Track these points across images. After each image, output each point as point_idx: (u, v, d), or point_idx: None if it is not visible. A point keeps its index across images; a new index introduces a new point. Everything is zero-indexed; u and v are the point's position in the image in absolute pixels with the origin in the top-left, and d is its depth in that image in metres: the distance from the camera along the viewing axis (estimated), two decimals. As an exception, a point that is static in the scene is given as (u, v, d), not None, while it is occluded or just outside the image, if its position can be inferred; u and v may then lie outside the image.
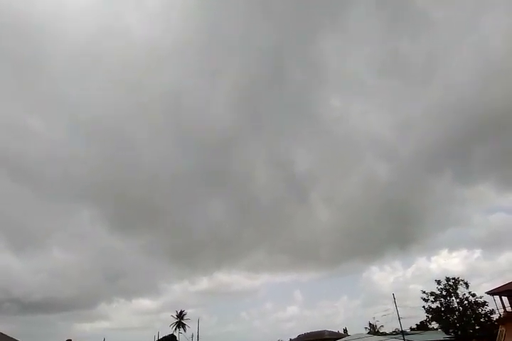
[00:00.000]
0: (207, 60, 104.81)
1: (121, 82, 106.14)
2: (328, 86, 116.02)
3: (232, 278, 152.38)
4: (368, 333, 61.30)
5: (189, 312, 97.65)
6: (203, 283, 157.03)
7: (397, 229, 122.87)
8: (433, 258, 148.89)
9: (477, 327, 42.52)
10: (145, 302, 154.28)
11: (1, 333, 37.72)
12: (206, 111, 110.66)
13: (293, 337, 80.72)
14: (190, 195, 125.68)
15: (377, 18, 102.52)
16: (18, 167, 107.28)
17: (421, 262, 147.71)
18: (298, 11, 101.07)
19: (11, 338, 37.17)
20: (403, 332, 42.77)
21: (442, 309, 44.59)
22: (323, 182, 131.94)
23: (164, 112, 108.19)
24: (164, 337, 71.71)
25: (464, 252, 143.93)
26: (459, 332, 42.14)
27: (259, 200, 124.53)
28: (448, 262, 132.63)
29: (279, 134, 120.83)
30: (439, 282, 46.14)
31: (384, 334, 59.34)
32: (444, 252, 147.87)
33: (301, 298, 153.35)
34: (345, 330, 77.99)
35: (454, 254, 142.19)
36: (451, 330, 43.30)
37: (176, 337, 72.62)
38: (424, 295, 46.25)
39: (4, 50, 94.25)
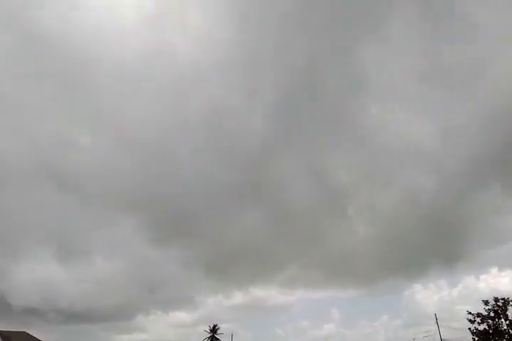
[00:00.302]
0: (245, 77, 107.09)
1: (165, 100, 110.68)
2: (368, 95, 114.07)
3: (267, 293, 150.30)
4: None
5: (223, 327, 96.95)
6: (238, 297, 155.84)
7: (442, 245, 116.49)
8: (482, 277, 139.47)
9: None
10: (181, 315, 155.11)
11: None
12: (244, 126, 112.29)
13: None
14: (226, 208, 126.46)
15: (418, 28, 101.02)
16: (65, 179, 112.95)
17: (468, 281, 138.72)
18: (334, 23, 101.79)
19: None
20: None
21: (490, 331, 41.65)
22: (361, 193, 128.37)
23: (205, 128, 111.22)
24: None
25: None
26: (510, 357, 39.05)
27: (294, 213, 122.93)
28: (498, 281, 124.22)
29: (316, 145, 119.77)
30: (486, 302, 43.28)
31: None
32: (494, 270, 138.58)
33: (339, 315, 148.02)
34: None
35: (505, 273, 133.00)
36: (500, 355, 40.21)
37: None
38: (470, 316, 43.55)
39: (55, 70, 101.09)
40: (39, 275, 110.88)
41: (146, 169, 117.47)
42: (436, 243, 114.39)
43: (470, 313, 43.55)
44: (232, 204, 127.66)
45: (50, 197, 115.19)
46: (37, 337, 39.42)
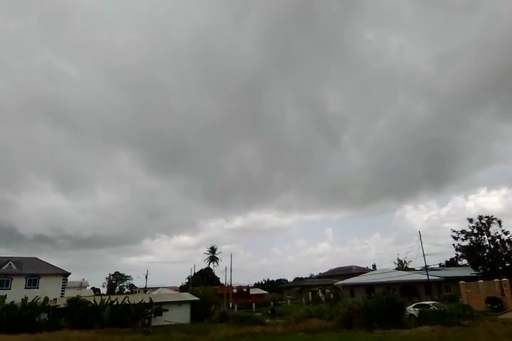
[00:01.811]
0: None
1: (149, 26, 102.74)
2: (363, 19, 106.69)
3: (265, 217, 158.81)
4: (397, 269, 62.88)
5: (224, 248, 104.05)
6: (237, 221, 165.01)
7: (433, 168, 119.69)
8: (470, 197, 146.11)
9: (507, 264, 42.33)
10: (184, 239, 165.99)
11: (54, 266, 41.62)
12: (234, 53, 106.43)
13: (324, 272, 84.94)
14: (222, 139, 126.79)
15: None
16: (57, 113, 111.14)
17: (457, 201, 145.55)
18: None
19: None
20: (427, 268, 43.28)
21: (473, 246, 44.32)
22: (355, 122, 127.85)
23: (193, 57, 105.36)
24: (201, 270, 77.57)
25: (504, 191, 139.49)
26: (488, 269, 42.13)
27: (290, 142, 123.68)
28: (486, 201, 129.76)
29: (310, 74, 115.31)
30: (471, 220, 45.43)
31: (412, 269, 60.50)
32: (483, 191, 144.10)
33: (333, 235, 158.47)
34: (374, 266, 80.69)
35: (493, 193, 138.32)
36: (480, 267, 43.35)
37: (211, 269, 78.31)
38: (455, 234, 45.98)
39: (36, 1, 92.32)
40: (44, 205, 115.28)
41: (137, 101, 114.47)
42: (427, 166, 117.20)
43: (454, 231, 46.01)
44: (227, 134, 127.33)
45: (46, 132, 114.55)
46: (47, 262, 41.91)
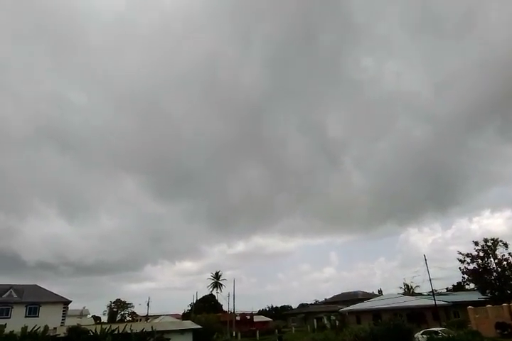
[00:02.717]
0: (238, 25, 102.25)
1: (157, 54, 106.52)
2: (360, 47, 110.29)
3: (268, 241, 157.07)
4: (403, 294, 61.58)
5: (227, 274, 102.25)
6: (240, 246, 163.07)
7: (435, 191, 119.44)
8: (474, 219, 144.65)
9: (516, 288, 41.50)
10: (187, 264, 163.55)
11: (55, 294, 41.10)
12: (239, 80, 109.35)
13: (329, 297, 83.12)
14: (226, 163, 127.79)
15: None
16: (65, 139, 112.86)
17: (461, 223, 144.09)
18: None
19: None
20: (433, 292, 42.43)
21: (480, 270, 43.61)
22: (356, 146, 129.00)
23: (200, 84, 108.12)
24: (204, 297, 76.07)
25: (508, 213, 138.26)
26: (496, 293, 41.27)
27: (292, 166, 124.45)
28: (490, 223, 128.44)
29: (311, 99, 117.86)
30: (476, 243, 44.91)
31: (419, 294, 59.28)
32: (487, 213, 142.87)
33: (337, 259, 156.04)
34: (379, 291, 79.06)
35: (497, 215, 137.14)
36: (487, 291, 42.49)
37: (214, 296, 76.75)
38: (461, 256, 45.38)
39: (47, 25, 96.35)
40: (47, 232, 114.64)
41: (143, 127, 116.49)
42: (430, 189, 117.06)
43: (460, 253, 45.40)
44: (231, 159, 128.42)
45: (52, 157, 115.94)
46: (48, 289, 41.39)
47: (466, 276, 46.41)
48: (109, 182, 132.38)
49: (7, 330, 29.95)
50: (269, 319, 74.87)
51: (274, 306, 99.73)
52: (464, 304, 38.56)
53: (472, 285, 50.42)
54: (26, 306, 37.19)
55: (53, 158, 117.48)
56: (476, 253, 44.12)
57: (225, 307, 69.08)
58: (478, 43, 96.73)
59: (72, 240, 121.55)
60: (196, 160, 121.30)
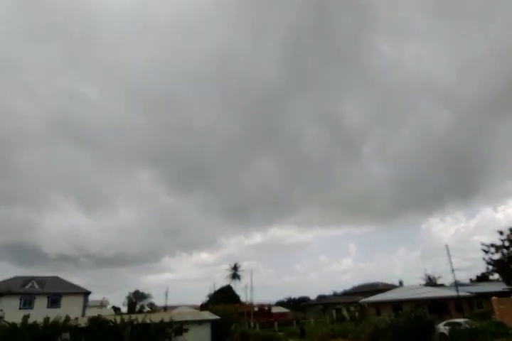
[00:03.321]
0: (249, 15, 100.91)
1: (169, 48, 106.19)
2: (378, 32, 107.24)
3: (285, 233, 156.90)
4: (425, 285, 60.48)
5: (244, 265, 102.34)
6: (257, 237, 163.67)
7: (459, 179, 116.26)
8: (500, 208, 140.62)
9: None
10: (204, 256, 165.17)
11: (76, 285, 41.84)
12: (252, 70, 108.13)
13: (348, 289, 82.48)
14: (240, 154, 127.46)
15: None
16: (80, 134, 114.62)
17: (486, 212, 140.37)
18: None
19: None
20: (456, 283, 41.37)
21: (505, 260, 42.27)
22: (375, 133, 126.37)
23: (212, 75, 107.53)
24: (222, 288, 76.52)
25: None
26: (522, 284, 39.97)
27: (309, 156, 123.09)
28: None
29: (327, 88, 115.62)
30: (501, 233, 43.42)
31: (441, 285, 58.11)
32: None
33: (356, 250, 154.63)
34: (400, 282, 77.81)
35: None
36: (512, 281, 41.19)
37: (232, 287, 77.14)
38: (485, 247, 44.05)
39: (59, 24, 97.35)
40: (67, 225, 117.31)
41: (157, 121, 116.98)
42: (453, 177, 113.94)
43: (484, 244, 44.09)
44: (246, 150, 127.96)
45: (69, 152, 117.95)
46: (69, 281, 42.16)
47: (490, 267, 45.17)
48: (124, 175, 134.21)
49: (30, 321, 30.58)
50: (287, 310, 74.84)
51: (292, 297, 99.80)
52: (487, 295, 37.39)
53: (496, 276, 49.10)
54: (48, 297, 37.93)
55: (70, 152, 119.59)
56: (501, 243, 42.74)
57: (242, 299, 69.44)
58: (501, 26, 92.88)
59: (90, 233, 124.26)
60: (210, 152, 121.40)
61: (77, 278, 48.42)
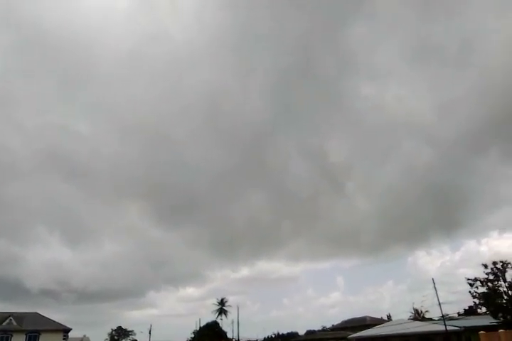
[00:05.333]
0: (239, 57, 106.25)
1: (161, 86, 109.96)
2: (359, 75, 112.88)
3: (273, 266, 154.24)
4: (413, 319, 59.81)
5: (231, 299, 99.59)
6: (244, 271, 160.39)
7: (442, 213, 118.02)
8: (483, 241, 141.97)
9: (529, 312, 40.25)
10: (190, 290, 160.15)
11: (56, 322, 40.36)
12: (240, 108, 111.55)
13: (336, 323, 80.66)
14: (229, 189, 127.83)
15: (405, 4, 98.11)
16: (69, 168, 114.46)
17: (470, 245, 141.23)
18: (324, 2, 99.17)
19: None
20: (444, 317, 41.23)
21: (490, 293, 42.51)
22: (359, 170, 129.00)
23: (203, 111, 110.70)
24: (208, 323, 74.17)
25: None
26: (509, 317, 39.99)
27: (296, 191, 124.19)
28: (499, 244, 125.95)
29: (312, 126, 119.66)
30: (485, 266, 43.93)
31: (429, 319, 57.55)
32: (495, 234, 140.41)
33: (344, 284, 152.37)
34: (388, 316, 76.73)
35: (506, 236, 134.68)
36: (499, 315, 41.20)
37: (218, 323, 74.81)
38: (470, 281, 44.39)
39: (52, 60, 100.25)
40: (50, 259, 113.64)
41: (147, 156, 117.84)
42: (436, 212, 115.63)
43: (469, 279, 44.49)
44: (234, 185, 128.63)
45: (57, 186, 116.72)
46: (48, 317, 40.65)
47: (476, 300, 45.27)
48: (112, 209, 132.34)
49: (6, 360, 29.30)
50: (275, 347, 72.44)
51: (280, 333, 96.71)
52: (476, 329, 37.29)
53: (484, 309, 49.04)
54: (26, 334, 36.52)
55: (58, 186, 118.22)
56: (486, 276, 43.16)
57: (229, 335, 67.18)
58: (477, 69, 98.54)
59: (74, 267, 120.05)
60: (199, 186, 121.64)
61: (58, 314, 47.00)
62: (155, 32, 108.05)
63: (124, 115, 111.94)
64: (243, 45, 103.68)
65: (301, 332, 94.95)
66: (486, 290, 42.98)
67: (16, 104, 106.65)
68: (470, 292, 44.45)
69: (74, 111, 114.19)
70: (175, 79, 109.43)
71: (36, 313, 40.98)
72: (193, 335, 72.30)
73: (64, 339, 38.33)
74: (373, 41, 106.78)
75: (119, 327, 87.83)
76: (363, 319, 69.84)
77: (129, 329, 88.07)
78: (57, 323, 40.20)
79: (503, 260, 43.27)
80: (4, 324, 36.89)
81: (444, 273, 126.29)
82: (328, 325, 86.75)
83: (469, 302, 51.94)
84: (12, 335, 36.07)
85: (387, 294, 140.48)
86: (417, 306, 67.48)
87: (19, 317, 38.51)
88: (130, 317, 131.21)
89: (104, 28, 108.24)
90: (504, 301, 41.59)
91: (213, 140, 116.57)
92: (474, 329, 38.08)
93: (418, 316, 65.87)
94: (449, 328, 39.89)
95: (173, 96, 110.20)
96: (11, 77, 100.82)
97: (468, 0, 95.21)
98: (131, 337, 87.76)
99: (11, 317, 37.78)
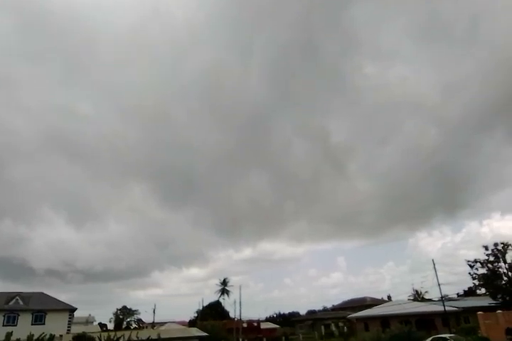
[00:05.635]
0: (239, 34, 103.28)
1: (163, 67, 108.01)
2: (363, 54, 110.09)
3: (275, 247, 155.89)
4: (413, 300, 60.68)
5: (234, 280, 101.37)
6: (247, 251, 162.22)
7: (444, 194, 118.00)
8: (485, 222, 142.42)
9: (527, 293, 40.71)
10: (194, 270, 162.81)
11: (61, 301, 41.15)
12: (240, 87, 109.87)
13: (337, 303, 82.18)
14: (231, 170, 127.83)
15: None
16: (73, 149, 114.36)
17: (472, 226, 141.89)
18: None
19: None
20: (443, 298, 41.75)
21: (490, 275, 42.91)
22: (361, 150, 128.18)
23: (203, 94, 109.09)
24: (210, 303, 75.59)
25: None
26: (507, 298, 40.49)
27: (297, 173, 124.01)
28: (501, 225, 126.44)
29: (313, 106, 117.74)
30: (486, 248, 44.20)
31: (429, 300, 58.39)
32: (497, 215, 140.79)
33: (345, 264, 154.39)
34: (389, 297, 77.94)
35: (508, 217, 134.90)
36: (498, 296, 41.73)
37: (221, 303, 76.19)
38: (470, 262, 44.77)
39: (55, 43, 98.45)
40: (56, 239, 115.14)
41: (149, 137, 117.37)
42: (439, 192, 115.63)
43: (469, 261, 44.86)
44: (236, 166, 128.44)
45: (62, 167, 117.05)
46: (54, 297, 41.42)
47: (476, 282, 45.76)
48: (116, 189, 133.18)
49: (13, 338, 29.93)
50: (277, 326, 74.02)
51: (281, 313, 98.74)
52: (474, 309, 37.75)
53: (484, 291, 49.62)
54: (32, 314, 37.24)
55: (63, 167, 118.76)
56: (486, 257, 43.48)
57: (231, 314, 68.53)
58: (485, 46, 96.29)
59: (79, 247, 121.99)
60: (201, 167, 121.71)
61: (63, 294, 48.01)
62: (154, 9, 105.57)
63: (125, 96, 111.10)
64: (243, 22, 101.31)
65: (303, 312, 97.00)
66: (486, 272, 43.40)
67: (19, 86, 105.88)
68: (470, 273, 44.99)
69: (76, 92, 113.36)
70: (175, 59, 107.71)
71: (42, 293, 41.66)
72: (196, 315, 73.78)
73: (69, 318, 39.05)
74: (378, 19, 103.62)
75: (124, 307, 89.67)
76: (363, 299, 70.97)
77: (134, 308, 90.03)
78: (63, 303, 40.82)
79: (504, 241, 43.59)
80: (11, 303, 37.57)
81: (444, 255, 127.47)
82: (329, 305, 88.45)
83: (469, 283, 52.60)
84: (19, 314, 36.77)
85: (387, 275, 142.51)
86: (417, 287, 68.41)
87: (25, 296, 39.16)
88: (134, 297, 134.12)
89: (104, 8, 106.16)
90: (504, 282, 42.05)
91: (214, 120, 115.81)
92: (473, 310, 38.59)
93: (418, 297, 66.80)
94: (447, 309, 40.43)
95: (173, 76, 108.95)
96: (14, 59, 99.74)
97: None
98: (135, 317, 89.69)
99: (17, 297, 38.41)
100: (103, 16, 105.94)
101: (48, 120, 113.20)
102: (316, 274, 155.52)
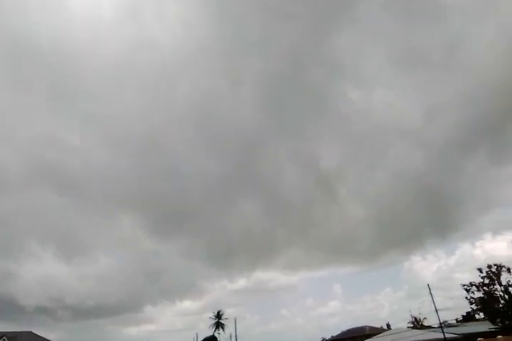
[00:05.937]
0: (228, 64, 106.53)
1: (154, 95, 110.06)
2: (346, 80, 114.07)
3: (270, 276, 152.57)
4: (412, 327, 59.47)
5: (229, 312, 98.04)
6: (241, 282, 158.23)
7: (435, 217, 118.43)
8: (477, 244, 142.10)
9: (526, 316, 40.27)
10: (187, 303, 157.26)
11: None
12: (232, 115, 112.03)
13: (335, 334, 79.86)
14: (223, 198, 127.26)
15: (388, 11, 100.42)
16: (60, 180, 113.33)
17: (465, 248, 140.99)
18: (312, 9, 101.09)
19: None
20: (441, 325, 41.10)
21: (486, 298, 42.57)
22: (351, 176, 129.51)
23: (194, 119, 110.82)
24: (205, 338, 72.92)
25: (510, 235, 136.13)
26: (507, 322, 39.98)
27: (290, 200, 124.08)
28: (494, 246, 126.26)
29: (302, 132, 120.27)
30: (480, 270, 44.09)
31: (428, 327, 57.31)
32: (489, 236, 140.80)
33: (342, 292, 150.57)
34: (388, 325, 76.15)
35: (499, 238, 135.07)
36: (498, 320, 41.17)
37: (216, 337, 73.56)
38: (466, 286, 44.49)
39: (42, 71, 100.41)
40: (44, 275, 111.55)
41: (139, 166, 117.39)
42: (429, 215, 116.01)
43: (464, 285, 44.61)
44: (228, 194, 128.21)
45: (49, 199, 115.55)
46: (43, 336, 39.97)
47: (474, 306, 45.26)
48: (105, 221, 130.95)
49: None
50: (275, 360, 71.34)
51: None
52: (474, 335, 37.21)
53: (482, 315, 49.01)
54: (19, 355, 35.82)
55: (51, 199, 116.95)
56: (481, 280, 43.28)
57: (228, 349, 66.01)
58: (462, 71, 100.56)
59: (69, 282, 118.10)
60: (193, 197, 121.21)
61: (53, 333, 46.37)
62: (142, 40, 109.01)
63: (114, 125, 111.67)
64: (231, 52, 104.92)
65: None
66: (482, 295, 43.04)
67: (4, 116, 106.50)
68: (467, 298, 44.53)
69: (64, 122, 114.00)
70: (164, 88, 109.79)
71: (31, 332, 40.24)
72: (191, 351, 70.92)
73: (59, 358, 37.53)
74: (358, 47, 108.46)
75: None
76: (362, 329, 69.19)
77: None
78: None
79: (497, 263, 43.59)
80: (-3, 344, 36.16)
81: (440, 278, 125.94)
82: (328, 336, 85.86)
83: (467, 307, 51.94)
84: (5, 356, 35.25)
85: (385, 301, 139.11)
86: (415, 313, 67.15)
87: (13, 337, 37.76)
88: (127, 334, 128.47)
89: (92, 39, 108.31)
90: (501, 305, 41.65)
91: (205, 149, 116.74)
92: (473, 336, 37.97)
93: (417, 324, 65.44)
94: (447, 336, 39.70)
95: (163, 106, 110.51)
96: (0, 88, 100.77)
97: (448, 6, 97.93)
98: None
99: (4, 338, 37.02)
100: (89, 46, 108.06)
101: (35, 150, 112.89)
102: (312, 303, 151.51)
